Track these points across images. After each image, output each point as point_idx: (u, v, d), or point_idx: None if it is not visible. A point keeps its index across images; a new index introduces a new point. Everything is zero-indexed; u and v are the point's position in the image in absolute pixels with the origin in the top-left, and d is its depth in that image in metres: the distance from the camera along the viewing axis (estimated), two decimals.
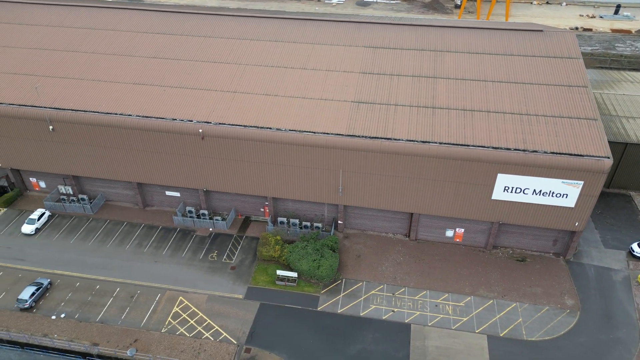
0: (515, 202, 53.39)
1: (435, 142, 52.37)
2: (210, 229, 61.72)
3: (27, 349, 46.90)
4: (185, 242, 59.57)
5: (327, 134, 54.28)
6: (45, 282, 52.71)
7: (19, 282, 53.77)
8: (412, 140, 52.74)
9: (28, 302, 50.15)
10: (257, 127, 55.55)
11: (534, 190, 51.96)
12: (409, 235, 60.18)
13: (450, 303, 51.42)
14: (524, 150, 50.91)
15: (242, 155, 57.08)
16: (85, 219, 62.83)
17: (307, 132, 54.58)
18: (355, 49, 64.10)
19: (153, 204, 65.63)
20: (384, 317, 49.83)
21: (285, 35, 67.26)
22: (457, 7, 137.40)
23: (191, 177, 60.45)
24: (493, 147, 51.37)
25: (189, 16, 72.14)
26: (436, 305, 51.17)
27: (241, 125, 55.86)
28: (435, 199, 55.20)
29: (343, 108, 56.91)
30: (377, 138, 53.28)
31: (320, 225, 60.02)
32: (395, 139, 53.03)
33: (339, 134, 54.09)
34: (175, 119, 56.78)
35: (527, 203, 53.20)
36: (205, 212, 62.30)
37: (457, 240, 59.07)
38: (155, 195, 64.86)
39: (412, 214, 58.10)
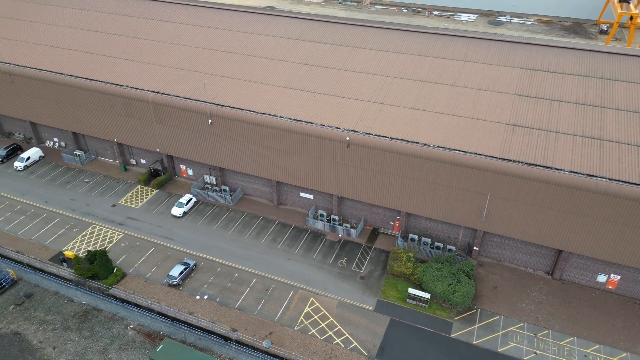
0: None
1: (604, 178, 47.89)
2: (340, 235, 62.45)
3: (175, 323, 50.68)
4: (315, 245, 60.85)
5: (479, 154, 52.25)
6: (192, 263, 56.83)
7: (167, 259, 58.60)
8: (576, 172, 48.81)
9: (177, 280, 54.36)
10: (404, 141, 55.18)
11: None
12: (551, 274, 55.69)
13: (603, 356, 46.40)
14: None
15: (383, 167, 57.01)
16: (225, 209, 66.99)
17: (456, 150, 53.05)
18: (510, 70, 61.27)
19: (286, 203, 68.12)
20: (525, 358, 46.33)
21: (433, 50, 66.40)
22: (603, 32, 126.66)
23: (328, 182, 61.69)
24: None
25: (338, 26, 74.32)
26: (585, 356, 46.47)
27: (388, 137, 55.86)
28: (593, 239, 50.43)
29: (496, 130, 54.49)
30: (535, 165, 50.14)
31: (453, 248, 57.91)
32: (556, 169, 49.46)
33: (492, 156, 51.81)
34: (324, 125, 58.45)
35: None
36: (336, 217, 63.19)
37: (610, 287, 53.40)
38: (290, 195, 67.26)
39: (560, 251, 53.71)
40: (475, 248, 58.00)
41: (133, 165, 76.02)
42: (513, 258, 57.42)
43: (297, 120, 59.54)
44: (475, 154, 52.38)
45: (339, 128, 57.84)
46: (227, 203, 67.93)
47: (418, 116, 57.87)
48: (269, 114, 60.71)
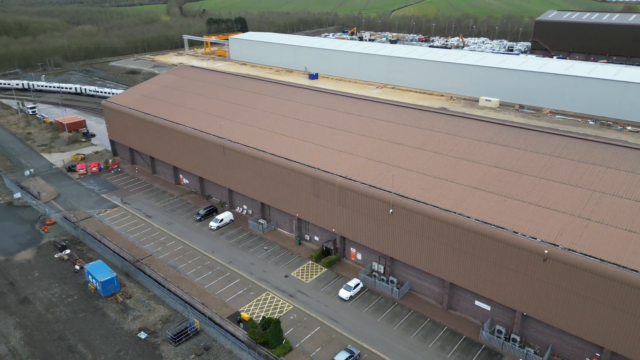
0: None
1: None
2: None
3: None
4: None
5: None
6: (356, 352, 54.97)
7: (332, 341, 57.81)
8: None
9: None
10: (619, 266, 47.76)
11: None
12: None
13: None
14: None
15: (587, 291, 49.63)
16: (391, 302, 64.88)
17: None
18: None
19: (457, 309, 63.20)
20: None
21: None
22: None
23: (512, 296, 55.80)
24: None
25: (532, 133, 71.82)
26: None
27: (597, 259, 49.09)
28: None
29: None
30: None
31: None
32: None
33: None
34: (517, 233, 54.34)
35: None
36: (517, 338, 55.88)
37: None
38: (463, 300, 62.44)
39: None
40: None
41: (307, 240, 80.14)
42: None
43: (486, 222, 56.65)
44: None
45: (535, 239, 53.07)
46: (393, 295, 65.86)
47: (636, 240, 50.14)
48: (455, 212, 59.10)
